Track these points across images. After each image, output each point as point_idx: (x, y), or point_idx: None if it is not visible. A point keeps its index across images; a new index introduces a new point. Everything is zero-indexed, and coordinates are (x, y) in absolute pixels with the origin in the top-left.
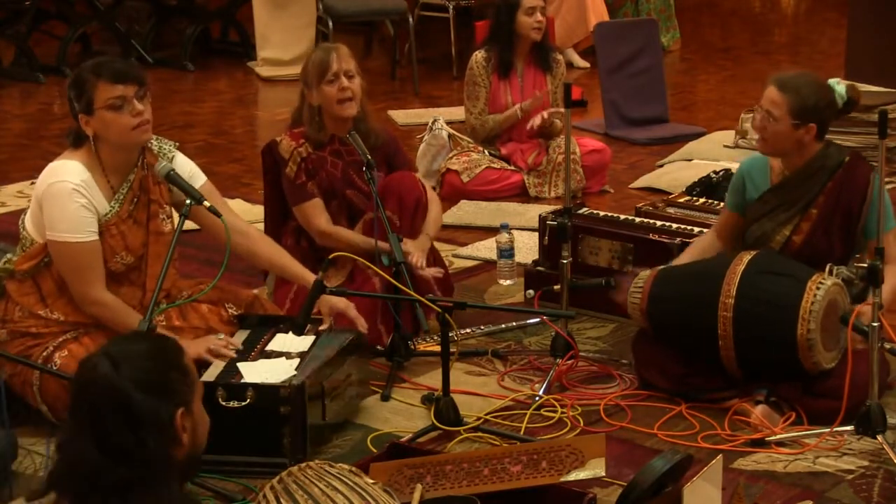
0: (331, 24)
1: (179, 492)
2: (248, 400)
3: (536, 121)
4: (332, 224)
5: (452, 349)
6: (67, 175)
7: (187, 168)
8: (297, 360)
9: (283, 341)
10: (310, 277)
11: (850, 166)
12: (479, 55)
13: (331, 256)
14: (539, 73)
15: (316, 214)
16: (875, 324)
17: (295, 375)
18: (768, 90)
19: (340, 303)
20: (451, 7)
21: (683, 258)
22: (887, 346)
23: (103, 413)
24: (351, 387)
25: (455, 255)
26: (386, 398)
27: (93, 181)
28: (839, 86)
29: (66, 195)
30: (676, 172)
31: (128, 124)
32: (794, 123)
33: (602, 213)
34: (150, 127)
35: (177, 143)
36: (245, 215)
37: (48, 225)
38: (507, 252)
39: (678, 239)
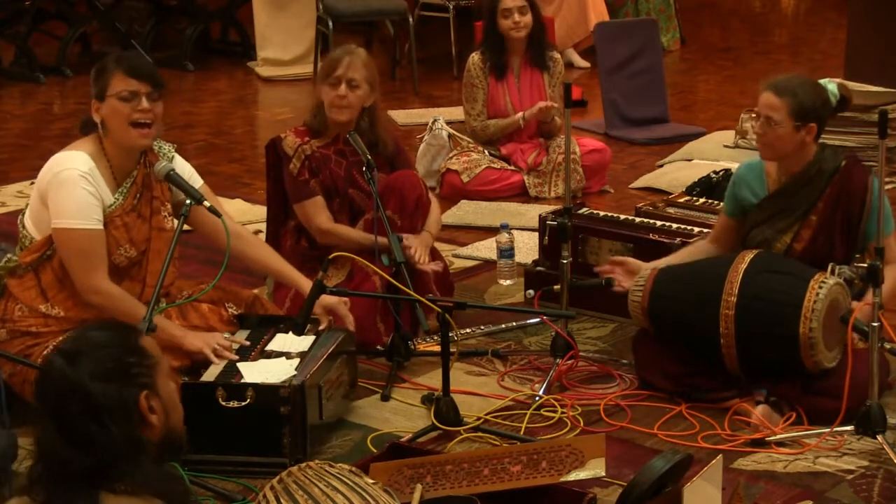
0: (331, 24)
1: (156, 470)
2: (248, 400)
3: (533, 110)
4: (332, 222)
5: (452, 349)
6: (75, 163)
7: (186, 170)
8: (297, 360)
9: (283, 341)
10: (302, 281)
11: (846, 170)
12: (475, 57)
13: (331, 256)
14: (536, 73)
15: (317, 212)
16: (875, 324)
17: (295, 375)
18: (764, 96)
19: (332, 298)
20: (451, 7)
21: (673, 259)
22: (887, 346)
23: (64, 408)
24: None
25: (455, 255)
26: (386, 398)
27: (98, 172)
28: (830, 84)
29: (75, 182)
30: (676, 172)
31: (129, 117)
32: (795, 125)
33: (602, 213)
34: (150, 133)
35: (175, 145)
36: (245, 215)
37: (54, 213)
38: (507, 252)
39: (678, 239)
